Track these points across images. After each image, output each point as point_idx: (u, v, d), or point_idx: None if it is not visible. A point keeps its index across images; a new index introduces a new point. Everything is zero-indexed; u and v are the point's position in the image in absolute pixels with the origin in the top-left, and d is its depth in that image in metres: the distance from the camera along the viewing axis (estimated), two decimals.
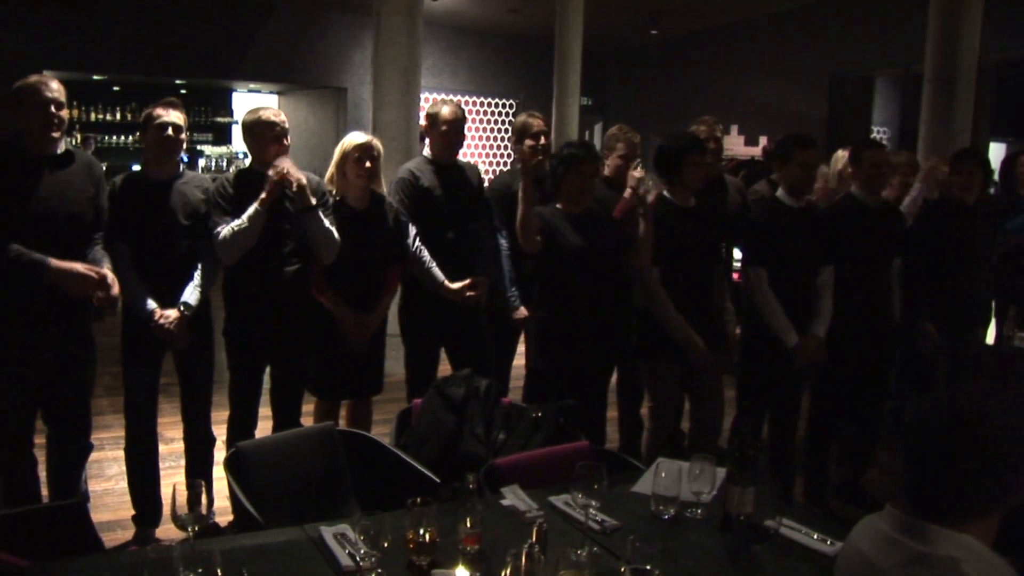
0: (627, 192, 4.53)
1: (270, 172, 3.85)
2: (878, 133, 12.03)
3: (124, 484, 4.19)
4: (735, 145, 10.81)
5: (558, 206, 4.18)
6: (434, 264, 4.45)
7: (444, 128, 4.58)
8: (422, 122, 4.71)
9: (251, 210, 3.84)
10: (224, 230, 3.87)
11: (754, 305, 4.37)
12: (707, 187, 4.77)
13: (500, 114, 14.53)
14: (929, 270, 4.87)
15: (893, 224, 4.69)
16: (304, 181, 3.89)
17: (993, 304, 5.59)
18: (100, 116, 13.31)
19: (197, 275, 3.93)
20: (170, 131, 3.82)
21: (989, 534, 1.65)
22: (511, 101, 14.49)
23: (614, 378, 4.72)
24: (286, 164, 3.88)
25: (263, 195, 3.84)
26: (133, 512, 4.14)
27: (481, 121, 14.30)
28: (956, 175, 4.99)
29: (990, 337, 5.50)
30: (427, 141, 4.71)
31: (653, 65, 14.35)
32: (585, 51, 10.63)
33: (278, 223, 3.96)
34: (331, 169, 4.26)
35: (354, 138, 4.23)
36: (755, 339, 4.44)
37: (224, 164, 13.46)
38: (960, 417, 1.63)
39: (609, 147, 4.91)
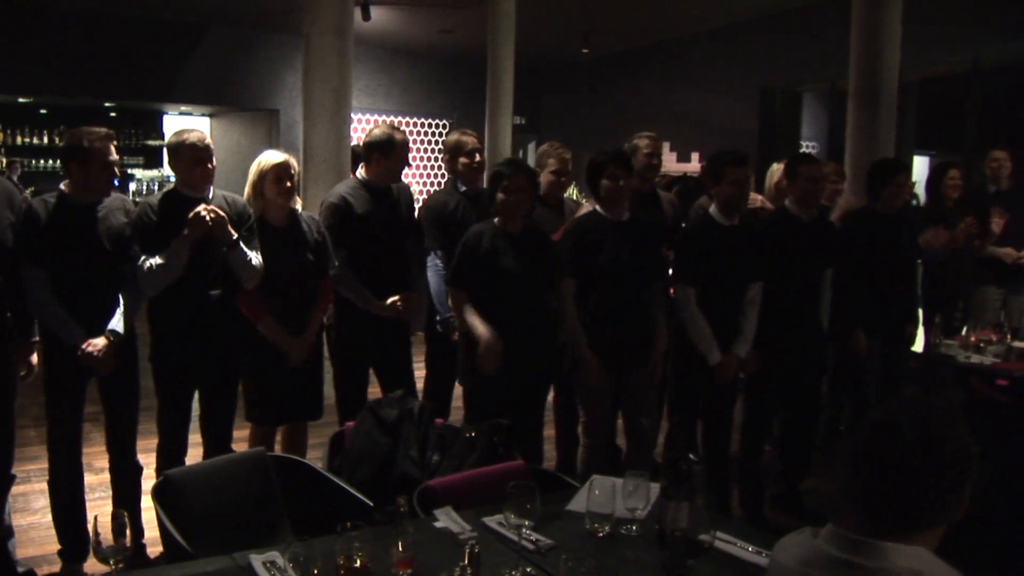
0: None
1: (200, 211, 3.78)
2: (807, 147, 12.24)
3: (50, 517, 4.04)
4: (668, 161, 10.91)
5: (496, 221, 4.16)
6: (362, 286, 4.44)
7: (401, 153, 4.57)
8: (357, 145, 4.66)
9: (172, 247, 3.77)
10: (146, 264, 3.79)
11: (681, 322, 4.41)
12: (640, 202, 4.82)
13: (433, 134, 14.53)
14: (857, 280, 4.95)
15: (826, 237, 4.76)
16: (224, 217, 3.84)
17: (921, 312, 5.72)
18: (27, 139, 13.06)
19: (122, 301, 3.86)
20: (116, 170, 3.82)
21: (934, 545, 1.64)
22: (444, 121, 14.51)
23: (551, 396, 4.72)
24: (204, 209, 3.81)
25: (186, 232, 3.77)
26: (59, 547, 4.02)
27: (414, 141, 14.28)
28: (884, 186, 5.07)
29: (919, 345, 5.61)
30: (366, 164, 4.65)
31: (585, 83, 14.48)
32: (517, 70, 10.67)
33: (202, 247, 3.89)
34: (248, 189, 4.20)
35: (271, 158, 4.16)
36: (685, 353, 4.46)
37: (155, 187, 13.26)
38: (927, 430, 1.62)
39: (541, 164, 4.93)
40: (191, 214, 3.75)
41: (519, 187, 4.09)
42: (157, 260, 3.78)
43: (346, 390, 4.62)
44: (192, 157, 3.91)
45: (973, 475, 1.61)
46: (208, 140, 3.98)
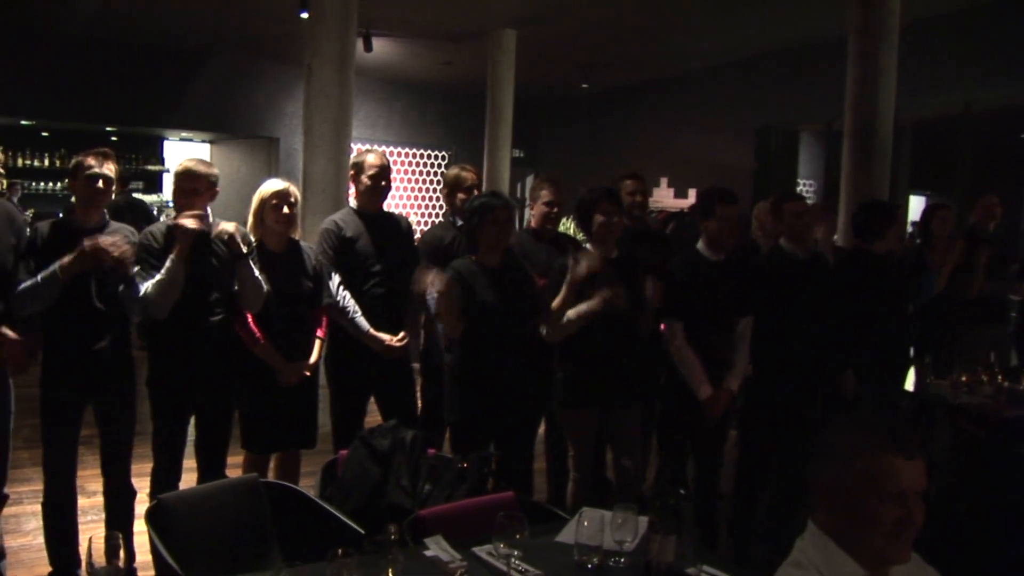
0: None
1: (183, 222, 3.81)
2: (804, 186, 12.34)
3: (42, 539, 4.05)
4: (665, 197, 10.97)
5: (473, 258, 4.15)
6: (359, 313, 4.47)
7: (369, 176, 4.61)
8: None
9: (168, 263, 3.80)
10: (147, 286, 3.80)
11: (670, 356, 4.43)
12: (632, 240, 4.85)
13: (432, 166, 14.60)
14: (848, 320, 4.98)
15: (823, 274, 4.78)
16: (232, 231, 3.89)
17: (912, 353, 5.76)
18: (28, 162, 13.11)
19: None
20: (100, 183, 3.79)
21: (866, 549, 1.91)
22: (443, 153, 14.59)
23: (542, 429, 4.73)
24: (191, 222, 3.83)
25: (177, 247, 3.80)
26: (50, 569, 4.01)
27: (413, 173, 14.35)
28: (889, 226, 5.12)
29: (910, 384, 5.64)
30: (352, 192, 4.72)
31: (584, 118, 14.58)
32: (517, 104, 10.77)
33: (202, 272, 3.93)
34: (250, 218, 4.26)
35: (271, 185, 4.24)
36: (675, 388, 4.48)
37: (154, 212, 13.27)
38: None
39: (534, 197, 4.97)
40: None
41: (508, 218, 4.13)
42: (155, 279, 3.79)
43: (343, 419, 4.63)
44: (199, 186, 3.98)
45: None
46: (202, 168, 4.04)
